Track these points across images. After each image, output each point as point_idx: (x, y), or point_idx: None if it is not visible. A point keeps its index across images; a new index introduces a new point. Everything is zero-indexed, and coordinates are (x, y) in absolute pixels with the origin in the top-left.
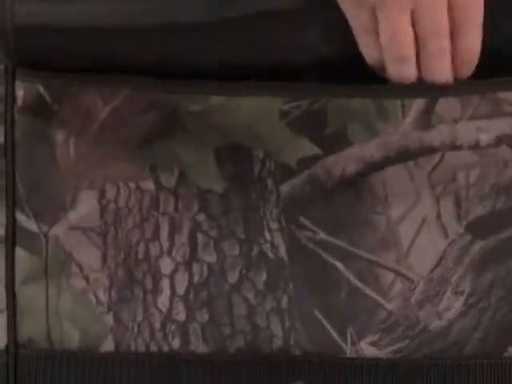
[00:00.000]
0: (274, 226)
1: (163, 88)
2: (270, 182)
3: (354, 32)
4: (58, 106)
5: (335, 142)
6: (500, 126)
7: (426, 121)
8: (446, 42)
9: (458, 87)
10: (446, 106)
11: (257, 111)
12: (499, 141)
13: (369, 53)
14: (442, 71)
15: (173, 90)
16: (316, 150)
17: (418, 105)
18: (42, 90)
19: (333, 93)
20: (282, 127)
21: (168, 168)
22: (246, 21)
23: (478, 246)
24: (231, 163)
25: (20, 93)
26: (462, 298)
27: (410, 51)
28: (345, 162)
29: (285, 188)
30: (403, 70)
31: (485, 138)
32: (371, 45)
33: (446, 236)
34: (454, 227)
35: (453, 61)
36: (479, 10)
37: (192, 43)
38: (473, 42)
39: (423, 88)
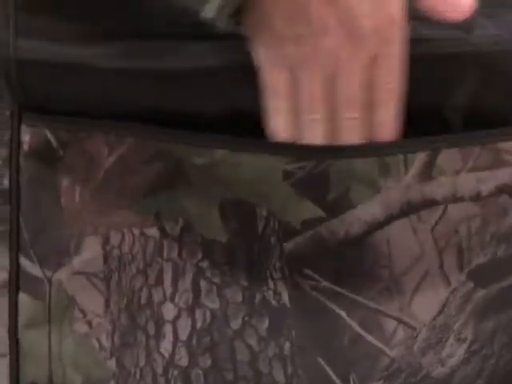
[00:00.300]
0: (277, 275)
1: (168, 138)
2: (273, 239)
3: (265, 94)
4: (63, 152)
5: (338, 206)
6: (500, 176)
7: (427, 173)
8: (358, 114)
9: (460, 138)
10: (447, 158)
11: (260, 169)
12: (499, 190)
13: (279, 121)
14: (351, 138)
15: (177, 141)
16: (320, 213)
17: (420, 158)
18: (48, 134)
19: (336, 154)
20: (285, 187)
21: (172, 217)
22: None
23: (479, 294)
24: (235, 218)
25: (26, 138)
26: (464, 345)
27: (324, 115)
28: (348, 224)
29: (288, 245)
30: (313, 134)
31: (485, 189)
32: (283, 110)
33: (449, 284)
34: (456, 275)
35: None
36: (395, 90)
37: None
38: (387, 118)
39: (425, 141)
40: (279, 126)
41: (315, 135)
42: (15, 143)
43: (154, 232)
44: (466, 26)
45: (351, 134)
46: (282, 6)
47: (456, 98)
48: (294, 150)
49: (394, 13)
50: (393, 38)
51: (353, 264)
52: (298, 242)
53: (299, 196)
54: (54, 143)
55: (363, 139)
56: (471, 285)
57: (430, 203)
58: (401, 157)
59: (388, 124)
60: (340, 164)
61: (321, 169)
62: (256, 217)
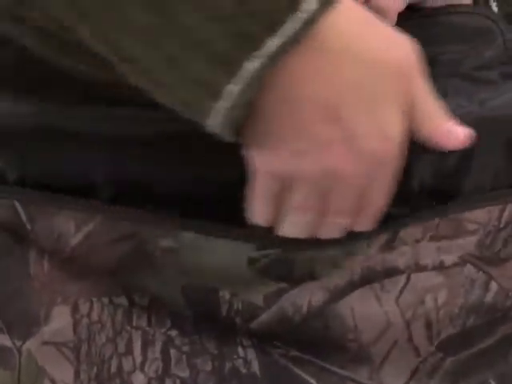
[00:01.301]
0: (247, 343)
1: (135, 219)
2: (238, 320)
3: (254, 197)
4: (31, 226)
5: (301, 280)
6: (462, 245)
7: (389, 245)
8: (346, 219)
9: (421, 215)
10: (409, 231)
11: (226, 255)
12: (463, 261)
13: (261, 214)
14: (332, 235)
15: (144, 222)
16: (282, 285)
17: (382, 237)
18: (18, 207)
19: (303, 246)
20: (249, 272)
21: (139, 292)
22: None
23: (449, 361)
24: (198, 302)
25: None
26: None
27: (312, 218)
28: (310, 292)
29: (254, 325)
30: (297, 232)
31: (449, 259)
32: (267, 211)
33: (418, 355)
34: (425, 347)
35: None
36: (385, 200)
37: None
38: (371, 219)
39: (387, 223)
40: (259, 214)
41: (295, 232)
42: None
43: (122, 300)
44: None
45: (334, 233)
46: (287, 122)
47: (418, 174)
48: (262, 239)
49: (395, 136)
50: (391, 159)
51: (320, 337)
52: (262, 320)
53: (263, 277)
54: (23, 216)
55: (343, 234)
56: (440, 355)
57: (392, 272)
58: (365, 242)
59: (371, 221)
60: (306, 253)
61: (286, 256)
62: (219, 300)
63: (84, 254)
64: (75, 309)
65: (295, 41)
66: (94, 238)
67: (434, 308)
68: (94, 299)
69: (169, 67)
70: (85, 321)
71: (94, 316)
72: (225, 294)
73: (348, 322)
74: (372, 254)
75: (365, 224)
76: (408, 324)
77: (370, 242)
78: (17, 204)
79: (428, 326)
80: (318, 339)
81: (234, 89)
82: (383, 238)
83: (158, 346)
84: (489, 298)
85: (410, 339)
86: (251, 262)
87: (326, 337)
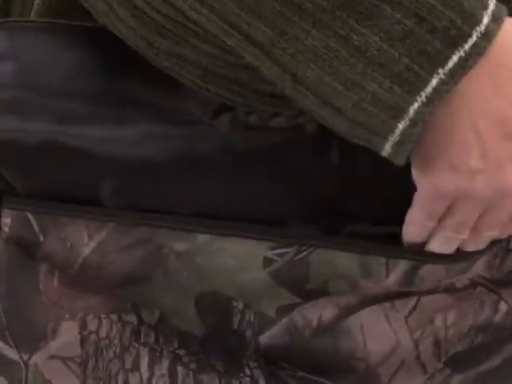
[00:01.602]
0: (254, 364)
1: (150, 222)
2: (248, 334)
3: (417, 214)
4: (43, 237)
5: (314, 294)
6: (474, 268)
7: (408, 281)
8: (497, 233)
9: (446, 255)
10: (431, 270)
11: (241, 255)
12: (474, 283)
13: (418, 232)
14: (477, 248)
15: (160, 225)
16: (295, 299)
17: (402, 265)
18: (30, 218)
19: (319, 242)
20: (264, 277)
21: (149, 308)
22: None
23: (457, 379)
24: (211, 313)
25: (7, 220)
26: None
27: (466, 235)
28: (321, 306)
29: (263, 339)
30: (447, 248)
31: (459, 281)
32: (426, 227)
33: (425, 372)
34: (432, 364)
35: None
36: None
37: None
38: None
39: (409, 250)
40: (413, 235)
41: (447, 248)
42: None
43: (131, 318)
44: None
45: (480, 246)
46: (460, 140)
47: None
48: (277, 234)
49: None
50: None
51: (328, 354)
52: (273, 333)
53: (277, 285)
54: (36, 227)
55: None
56: (448, 371)
57: (404, 294)
58: (382, 260)
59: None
60: (321, 254)
61: (301, 257)
62: (232, 311)
63: (96, 265)
64: (83, 325)
65: (478, 55)
66: (107, 246)
67: (442, 328)
68: (103, 316)
69: (348, 90)
70: (93, 337)
71: (102, 332)
72: (238, 304)
73: (357, 339)
74: (389, 287)
75: (508, 233)
76: (416, 343)
77: (388, 267)
78: (29, 215)
79: (436, 344)
80: (326, 357)
81: (415, 107)
82: (402, 268)
83: (166, 363)
84: (498, 318)
85: (418, 357)
86: (266, 263)
87: (335, 355)
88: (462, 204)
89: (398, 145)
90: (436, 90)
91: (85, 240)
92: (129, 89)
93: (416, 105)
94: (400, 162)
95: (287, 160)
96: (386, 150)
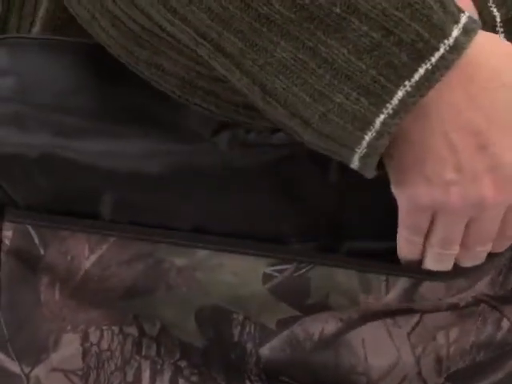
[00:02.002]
0: (255, 378)
1: (151, 237)
2: (249, 346)
3: (402, 230)
4: (44, 250)
5: (315, 308)
6: (478, 286)
7: (408, 298)
8: (488, 247)
9: (446, 273)
10: (431, 287)
11: (240, 271)
12: (477, 300)
13: (408, 248)
14: (474, 263)
15: (160, 240)
16: (296, 313)
17: (402, 283)
18: (31, 231)
19: (318, 260)
20: (264, 293)
21: (150, 320)
22: None
23: None
24: (211, 326)
25: (8, 233)
26: None
27: (456, 250)
28: (323, 320)
29: (264, 351)
30: (441, 265)
31: (463, 300)
32: (415, 243)
33: None
34: (434, 380)
35: None
36: None
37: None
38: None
39: (409, 268)
40: (404, 251)
41: (441, 265)
42: None
43: (132, 330)
44: None
45: (476, 260)
46: (435, 153)
47: None
48: (276, 251)
49: None
50: None
51: (329, 369)
52: (273, 345)
53: (277, 300)
54: (37, 240)
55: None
56: None
57: (406, 312)
58: (383, 277)
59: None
60: (321, 270)
61: (301, 273)
62: (232, 323)
63: (96, 279)
64: (85, 337)
65: (445, 68)
66: (108, 260)
67: (445, 345)
68: (105, 328)
69: (315, 101)
70: (94, 349)
71: (104, 344)
72: (238, 317)
73: (358, 353)
74: (389, 303)
75: (503, 247)
76: (418, 360)
77: (388, 284)
78: (30, 228)
79: (438, 361)
80: (327, 371)
81: (382, 119)
82: (402, 285)
83: (167, 376)
84: (500, 335)
85: (419, 373)
86: (266, 279)
87: (336, 369)
88: (441, 218)
89: (365, 157)
90: (402, 102)
91: (86, 253)
92: (129, 105)
93: (382, 117)
94: (369, 174)
95: (286, 176)
96: (354, 162)
